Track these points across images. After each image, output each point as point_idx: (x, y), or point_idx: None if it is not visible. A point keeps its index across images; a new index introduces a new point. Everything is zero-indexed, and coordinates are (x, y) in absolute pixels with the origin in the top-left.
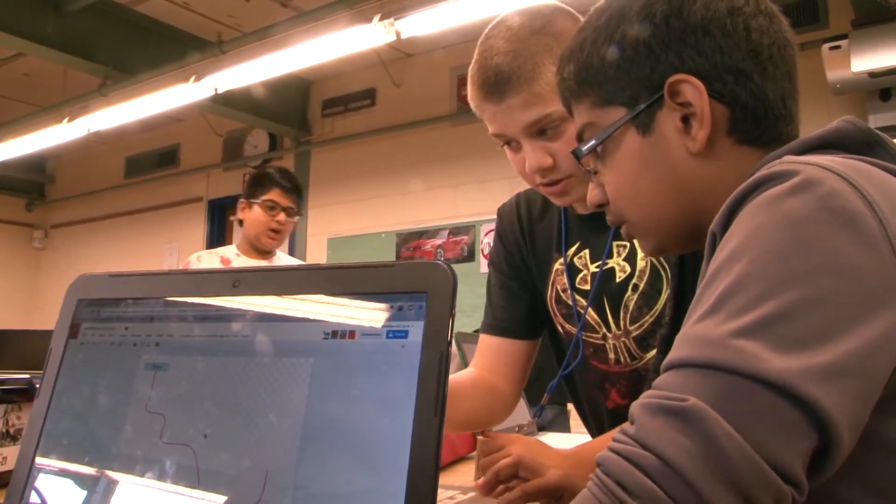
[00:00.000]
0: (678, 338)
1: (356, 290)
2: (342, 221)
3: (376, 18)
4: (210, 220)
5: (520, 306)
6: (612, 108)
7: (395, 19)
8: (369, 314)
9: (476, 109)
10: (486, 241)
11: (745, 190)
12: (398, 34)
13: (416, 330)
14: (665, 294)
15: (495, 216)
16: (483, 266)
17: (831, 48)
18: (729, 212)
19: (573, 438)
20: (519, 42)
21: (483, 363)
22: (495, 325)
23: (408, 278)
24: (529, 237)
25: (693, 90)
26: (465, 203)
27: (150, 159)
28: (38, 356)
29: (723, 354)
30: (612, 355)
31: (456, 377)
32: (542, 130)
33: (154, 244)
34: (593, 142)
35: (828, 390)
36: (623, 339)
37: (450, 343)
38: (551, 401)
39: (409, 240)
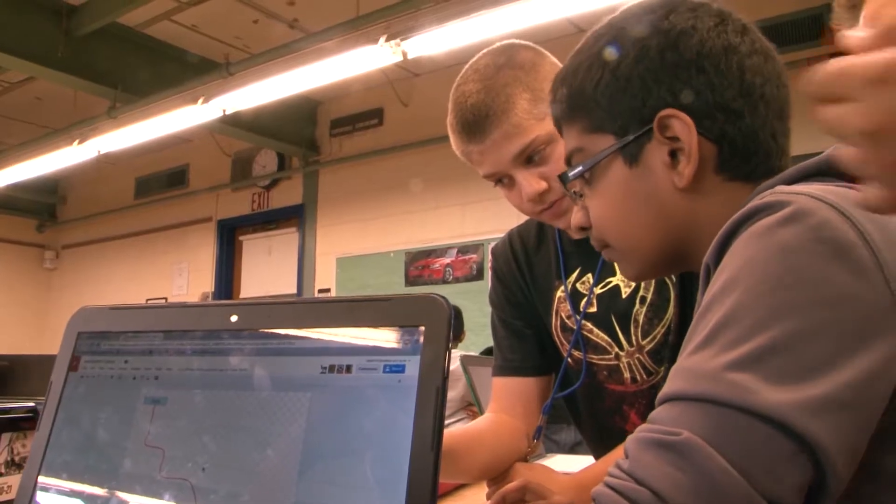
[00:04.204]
0: (673, 370)
1: (353, 323)
2: (351, 241)
3: (382, 39)
4: (219, 240)
5: (527, 344)
6: (602, 135)
7: (402, 40)
8: (366, 348)
9: (463, 155)
10: None
11: (737, 221)
12: (404, 54)
13: (413, 364)
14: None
15: (504, 234)
16: None
17: None
18: (722, 243)
19: (581, 460)
20: (488, 79)
21: (500, 406)
22: (506, 366)
23: (404, 312)
24: (528, 270)
25: (682, 126)
26: (473, 221)
27: (160, 180)
28: (44, 382)
29: (716, 388)
30: (627, 374)
31: (474, 426)
32: (529, 158)
33: (164, 264)
34: (580, 168)
35: (822, 423)
36: (637, 355)
37: (446, 377)
38: (562, 420)
39: (418, 259)
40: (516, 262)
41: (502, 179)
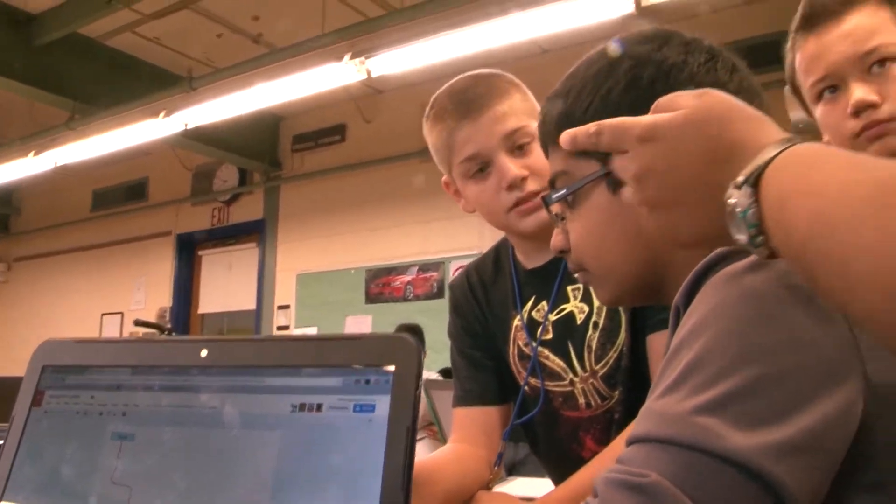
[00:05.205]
0: (642, 412)
1: (323, 362)
2: (311, 257)
3: (347, 57)
4: (178, 254)
5: (486, 373)
6: (587, 160)
7: (366, 58)
8: (336, 387)
9: (447, 140)
10: None
11: (706, 265)
12: (369, 73)
13: (383, 404)
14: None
15: (466, 252)
16: None
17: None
18: (691, 286)
19: (541, 484)
20: (480, 77)
21: (461, 436)
22: (465, 395)
23: (374, 351)
24: (485, 302)
25: None
26: (435, 239)
27: (118, 193)
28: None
29: (684, 431)
30: (582, 399)
31: (436, 456)
32: (517, 145)
33: (121, 278)
34: (563, 192)
35: (786, 466)
36: (591, 380)
37: (416, 417)
38: (520, 439)
39: (379, 276)
40: (473, 294)
41: (483, 168)
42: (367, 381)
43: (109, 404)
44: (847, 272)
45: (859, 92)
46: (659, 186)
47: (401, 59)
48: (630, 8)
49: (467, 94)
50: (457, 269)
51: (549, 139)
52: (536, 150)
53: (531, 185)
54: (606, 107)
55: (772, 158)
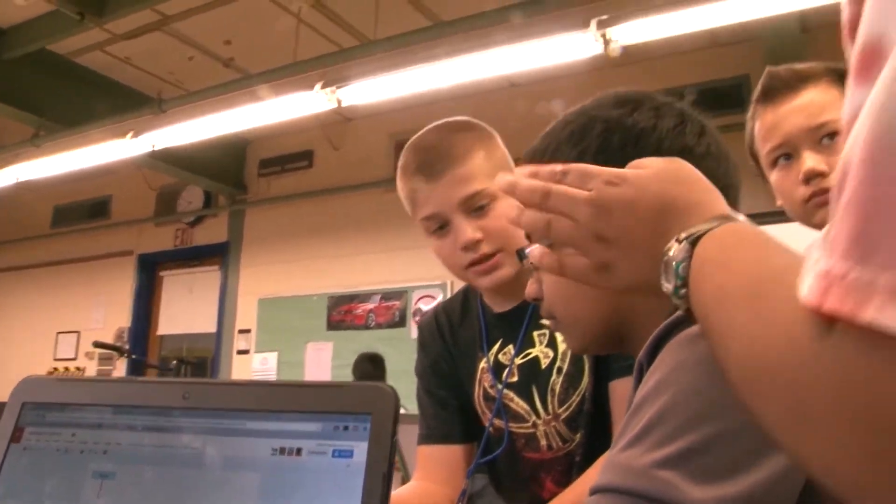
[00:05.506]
0: (605, 463)
1: (304, 407)
2: (274, 282)
3: (318, 86)
4: (139, 275)
5: (452, 413)
6: None
7: (337, 87)
8: (316, 432)
9: (409, 195)
10: (419, 306)
11: (669, 325)
12: (339, 102)
13: (361, 450)
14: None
15: (429, 282)
16: (414, 331)
17: None
18: (654, 345)
19: None
20: (448, 133)
21: (425, 473)
22: (430, 434)
23: (354, 399)
24: (453, 343)
25: None
26: (398, 268)
27: (80, 210)
28: None
29: (645, 484)
30: (543, 441)
31: (400, 493)
32: (474, 208)
33: (80, 297)
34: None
35: None
36: (553, 423)
37: (392, 464)
38: (481, 470)
39: (341, 303)
40: (441, 334)
41: (442, 226)
42: (346, 428)
43: (90, 442)
44: (719, 351)
45: (810, 161)
46: (614, 224)
47: (372, 90)
48: (599, 49)
49: (429, 155)
50: (419, 299)
51: None
52: (496, 210)
53: (485, 248)
54: None
55: (714, 227)
